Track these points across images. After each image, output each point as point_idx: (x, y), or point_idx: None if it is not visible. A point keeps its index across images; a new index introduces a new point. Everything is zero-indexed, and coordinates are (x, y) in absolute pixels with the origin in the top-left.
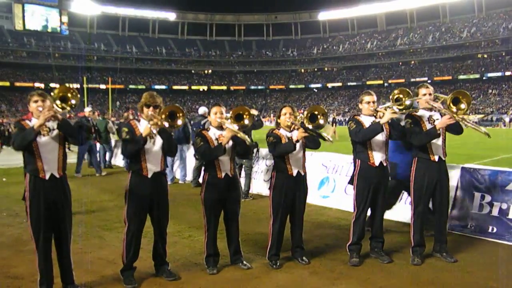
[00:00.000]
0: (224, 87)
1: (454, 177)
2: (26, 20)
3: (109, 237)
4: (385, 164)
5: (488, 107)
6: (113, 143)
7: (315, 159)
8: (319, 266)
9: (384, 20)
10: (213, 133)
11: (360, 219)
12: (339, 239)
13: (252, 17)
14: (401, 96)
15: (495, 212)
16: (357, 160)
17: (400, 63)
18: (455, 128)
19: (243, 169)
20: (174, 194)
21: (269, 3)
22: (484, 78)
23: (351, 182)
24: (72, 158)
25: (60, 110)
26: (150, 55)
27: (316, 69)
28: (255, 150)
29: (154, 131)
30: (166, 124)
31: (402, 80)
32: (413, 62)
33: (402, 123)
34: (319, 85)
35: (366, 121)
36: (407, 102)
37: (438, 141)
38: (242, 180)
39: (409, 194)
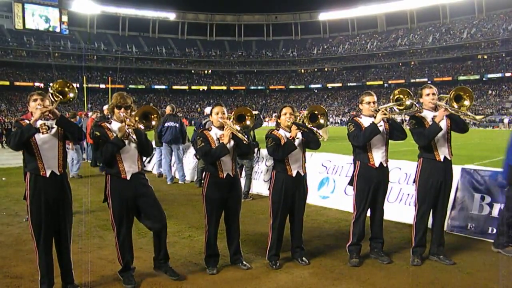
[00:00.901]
0: (224, 87)
1: (454, 178)
2: (26, 20)
3: (108, 237)
4: (385, 165)
5: (488, 108)
6: None
7: (315, 160)
8: (319, 266)
9: (384, 20)
10: (214, 133)
11: (360, 220)
12: (339, 240)
13: (252, 17)
14: (401, 96)
15: (495, 213)
16: (357, 161)
17: (400, 64)
18: (460, 126)
19: (243, 170)
20: (173, 194)
21: (269, 3)
22: (484, 79)
23: (351, 183)
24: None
25: (55, 101)
26: (150, 55)
27: (316, 70)
28: (256, 150)
29: (129, 131)
30: (141, 126)
31: (402, 81)
32: (413, 62)
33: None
34: (319, 86)
35: (366, 122)
36: (408, 102)
37: (443, 141)
38: (242, 181)
39: None
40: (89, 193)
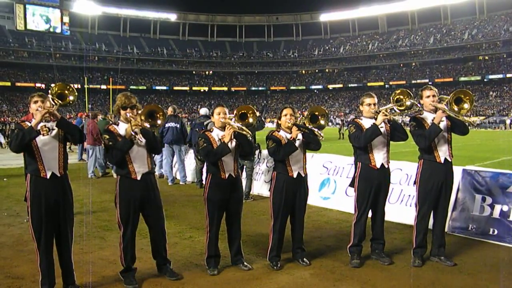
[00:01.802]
0: (225, 88)
1: (455, 179)
2: (28, 20)
3: (110, 238)
4: (386, 166)
5: (489, 109)
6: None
7: (316, 161)
8: (319, 267)
9: (385, 21)
10: (216, 134)
11: (361, 221)
12: (340, 241)
13: (253, 18)
14: (401, 97)
15: (496, 214)
16: (358, 162)
17: (401, 65)
18: (460, 128)
19: (244, 170)
20: (174, 195)
21: (270, 4)
22: (485, 80)
23: (352, 184)
24: (72, 159)
25: (55, 105)
26: (151, 56)
27: (317, 71)
28: (257, 151)
29: (137, 131)
30: (147, 125)
31: (403, 82)
32: (414, 63)
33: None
34: (320, 87)
35: (367, 123)
36: (408, 103)
37: (444, 143)
38: (243, 181)
39: None
40: (90, 194)
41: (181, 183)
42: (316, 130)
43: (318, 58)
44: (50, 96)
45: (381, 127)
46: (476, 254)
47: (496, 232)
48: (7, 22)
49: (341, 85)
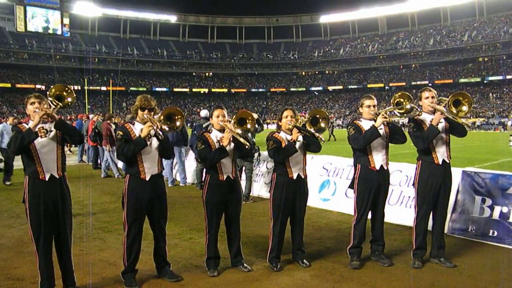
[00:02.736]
0: (225, 90)
1: (455, 180)
2: (28, 22)
3: (110, 239)
4: (385, 168)
5: (489, 111)
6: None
7: (316, 162)
8: (319, 269)
9: (385, 23)
10: (214, 136)
11: (361, 223)
12: (340, 242)
13: (253, 20)
14: (401, 100)
15: (495, 215)
16: (357, 163)
17: (401, 67)
18: (458, 130)
19: (243, 172)
20: (175, 197)
21: (270, 5)
22: (485, 81)
23: (351, 186)
24: (73, 160)
25: (54, 107)
26: (151, 57)
27: (317, 72)
28: (256, 154)
29: (153, 133)
30: (166, 127)
31: (403, 84)
32: (414, 65)
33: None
34: (320, 88)
35: (367, 125)
36: (408, 106)
37: (442, 144)
38: (243, 183)
39: None
40: (90, 195)
41: (181, 184)
42: (316, 134)
43: (318, 60)
44: (49, 98)
45: (380, 129)
46: (476, 256)
47: (495, 233)
48: (7, 24)
49: (341, 87)
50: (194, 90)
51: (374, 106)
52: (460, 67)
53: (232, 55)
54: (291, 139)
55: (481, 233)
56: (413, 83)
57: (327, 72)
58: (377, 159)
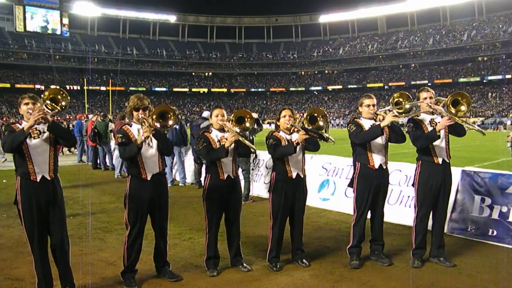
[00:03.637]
0: (225, 90)
1: (454, 180)
2: (27, 22)
3: (109, 239)
4: (384, 167)
5: (489, 110)
6: (112, 146)
7: (315, 162)
8: (319, 268)
9: (384, 23)
10: (215, 135)
11: (360, 222)
12: (339, 242)
13: (253, 20)
14: (401, 99)
15: (495, 215)
16: (357, 162)
17: (401, 66)
18: (457, 130)
19: (240, 173)
20: (174, 197)
21: (270, 5)
22: (484, 81)
23: (350, 185)
24: (72, 160)
25: (50, 111)
26: (150, 57)
27: (316, 72)
28: (252, 156)
29: (150, 136)
30: (158, 125)
31: (403, 83)
32: (413, 65)
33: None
34: (319, 88)
35: (366, 124)
36: (407, 106)
37: (442, 144)
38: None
39: None
40: (90, 195)
41: (180, 184)
42: (326, 135)
43: (318, 59)
44: (47, 101)
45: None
46: (475, 255)
47: (495, 233)
48: (6, 24)
49: (340, 86)
50: (193, 90)
51: (373, 105)
52: (460, 66)
53: (232, 55)
54: (296, 141)
55: (481, 233)
56: (412, 82)
57: (326, 71)
58: (377, 158)
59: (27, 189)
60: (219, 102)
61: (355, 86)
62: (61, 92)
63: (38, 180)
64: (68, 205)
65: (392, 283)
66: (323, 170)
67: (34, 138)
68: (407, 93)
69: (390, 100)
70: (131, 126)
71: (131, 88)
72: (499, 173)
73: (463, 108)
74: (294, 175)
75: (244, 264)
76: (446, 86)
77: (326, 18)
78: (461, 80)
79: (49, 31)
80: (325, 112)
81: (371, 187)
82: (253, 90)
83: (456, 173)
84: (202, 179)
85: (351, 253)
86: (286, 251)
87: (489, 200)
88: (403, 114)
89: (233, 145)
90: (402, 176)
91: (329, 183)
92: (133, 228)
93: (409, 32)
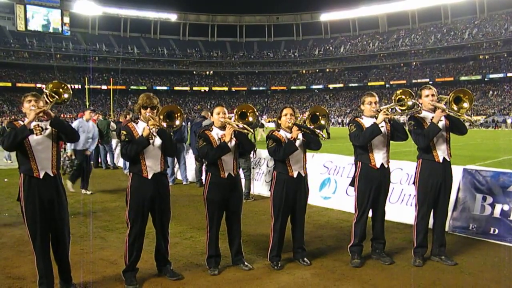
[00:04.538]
0: (226, 88)
1: (456, 178)
2: (28, 21)
3: (110, 238)
4: (386, 166)
5: (490, 109)
6: (113, 144)
7: (316, 160)
8: (320, 267)
9: (385, 21)
10: (215, 134)
11: (362, 221)
12: (341, 241)
13: (254, 18)
14: (403, 96)
15: (496, 213)
16: (358, 162)
17: (402, 64)
18: (459, 128)
19: (240, 171)
20: (176, 195)
21: (271, 4)
22: (485, 79)
23: (352, 184)
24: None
25: (50, 101)
26: (151, 56)
27: (317, 70)
28: (252, 151)
29: (154, 132)
30: (164, 125)
31: (404, 81)
32: (414, 63)
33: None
34: (320, 86)
35: (368, 122)
36: (409, 103)
37: (442, 142)
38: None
39: None
40: (91, 194)
41: (184, 183)
42: (317, 130)
43: (319, 58)
44: (46, 91)
45: (382, 126)
46: (477, 254)
47: (497, 231)
48: (7, 23)
49: (341, 85)
50: (194, 88)
51: (375, 103)
52: (461, 65)
53: (233, 53)
54: (291, 137)
55: (482, 231)
56: (413, 81)
57: (327, 70)
58: (378, 157)
59: (30, 186)
60: (220, 100)
61: (356, 84)
62: (63, 85)
63: (41, 176)
64: (69, 204)
65: (393, 281)
66: (324, 169)
67: (37, 134)
68: (410, 90)
69: (393, 97)
70: (137, 124)
71: (132, 87)
72: (501, 172)
73: (465, 105)
74: (295, 174)
75: (245, 263)
76: (447, 85)
77: (327, 16)
78: (463, 78)
79: (50, 30)
80: (327, 111)
81: (372, 186)
82: (254, 88)
83: (457, 171)
84: (203, 177)
85: (353, 251)
86: (288, 250)
87: (490, 198)
88: (406, 111)
89: (233, 142)
90: (403, 174)
91: (330, 182)
92: (133, 226)
93: (410, 30)
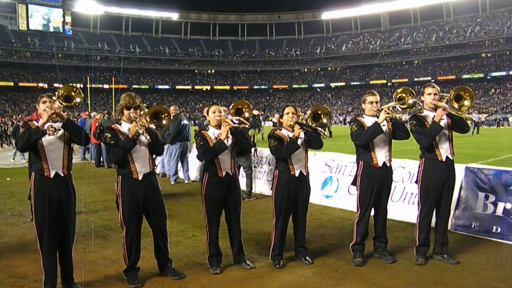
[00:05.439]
0: (227, 87)
1: (458, 177)
2: (30, 20)
3: (112, 237)
4: (388, 165)
5: (492, 107)
6: None
7: (318, 159)
8: (322, 266)
9: (387, 19)
10: (212, 132)
11: (364, 219)
12: (343, 239)
13: (255, 17)
14: (404, 95)
15: (499, 212)
16: (360, 160)
17: (404, 63)
18: (461, 126)
19: (241, 170)
20: (178, 194)
21: (272, 2)
22: (488, 77)
23: (354, 182)
24: (75, 158)
25: (63, 105)
26: (153, 55)
27: (319, 69)
28: (253, 150)
29: (140, 131)
30: (153, 126)
31: (406, 80)
32: (416, 61)
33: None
34: (322, 85)
35: (369, 121)
36: (410, 101)
37: (445, 141)
38: (242, 181)
39: None
40: (93, 193)
41: (185, 182)
42: (319, 128)
43: (321, 56)
44: (56, 98)
45: (383, 125)
46: (479, 252)
47: (499, 230)
48: (9, 22)
49: (343, 83)
50: (196, 87)
51: (376, 102)
52: (463, 63)
53: (234, 52)
54: (293, 136)
55: (485, 230)
56: (415, 79)
57: (329, 68)
58: (380, 155)
59: (40, 185)
60: (222, 99)
61: (358, 83)
62: (74, 89)
63: (51, 176)
64: None
65: (395, 280)
66: (326, 167)
67: (49, 135)
68: (410, 88)
69: (394, 96)
70: (120, 125)
71: (134, 86)
72: (503, 170)
73: (466, 103)
74: (297, 172)
75: (247, 262)
76: (449, 83)
77: (328, 15)
78: (465, 76)
79: (51, 29)
80: (329, 110)
81: (374, 185)
82: (256, 87)
83: (460, 170)
84: None
85: (355, 250)
86: (289, 249)
87: (493, 197)
88: (407, 110)
89: (230, 140)
90: (406, 173)
91: (332, 180)
92: (128, 228)
93: (412, 29)
